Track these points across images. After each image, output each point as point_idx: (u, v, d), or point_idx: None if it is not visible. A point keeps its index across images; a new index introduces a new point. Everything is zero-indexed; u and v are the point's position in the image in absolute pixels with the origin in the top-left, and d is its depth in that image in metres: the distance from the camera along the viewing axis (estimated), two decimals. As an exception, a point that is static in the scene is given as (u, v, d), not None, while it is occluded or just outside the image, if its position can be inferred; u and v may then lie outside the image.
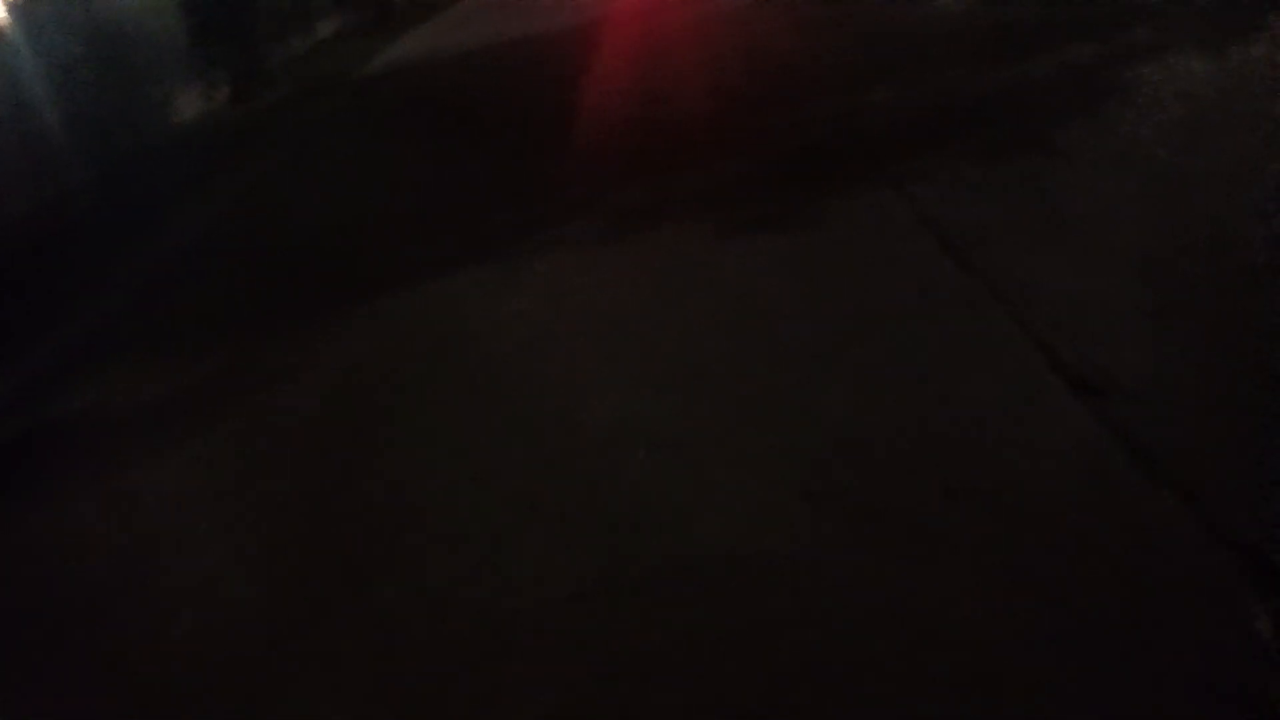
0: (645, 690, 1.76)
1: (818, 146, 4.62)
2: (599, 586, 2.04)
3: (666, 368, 2.90)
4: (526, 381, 3.06)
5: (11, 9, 7.91)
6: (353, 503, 2.66)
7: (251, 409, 3.44)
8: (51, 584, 2.74)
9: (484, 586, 2.15)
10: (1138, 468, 1.99)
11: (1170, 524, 1.83)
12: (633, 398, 2.78)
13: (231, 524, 2.73)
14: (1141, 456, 2.02)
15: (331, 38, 16.66)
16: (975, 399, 2.34)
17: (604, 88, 6.93)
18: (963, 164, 3.88)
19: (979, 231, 3.24)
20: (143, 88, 9.77)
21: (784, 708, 1.66)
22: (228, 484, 2.98)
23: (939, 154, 4.03)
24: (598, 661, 1.85)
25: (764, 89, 5.90)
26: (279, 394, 3.48)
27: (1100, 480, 1.98)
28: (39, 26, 8.58)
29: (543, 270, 3.94)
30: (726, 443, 2.44)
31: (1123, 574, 1.74)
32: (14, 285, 5.45)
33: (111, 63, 9.47)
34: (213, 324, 4.41)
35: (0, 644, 2.55)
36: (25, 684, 2.34)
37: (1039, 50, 5.13)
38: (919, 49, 5.95)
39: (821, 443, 2.32)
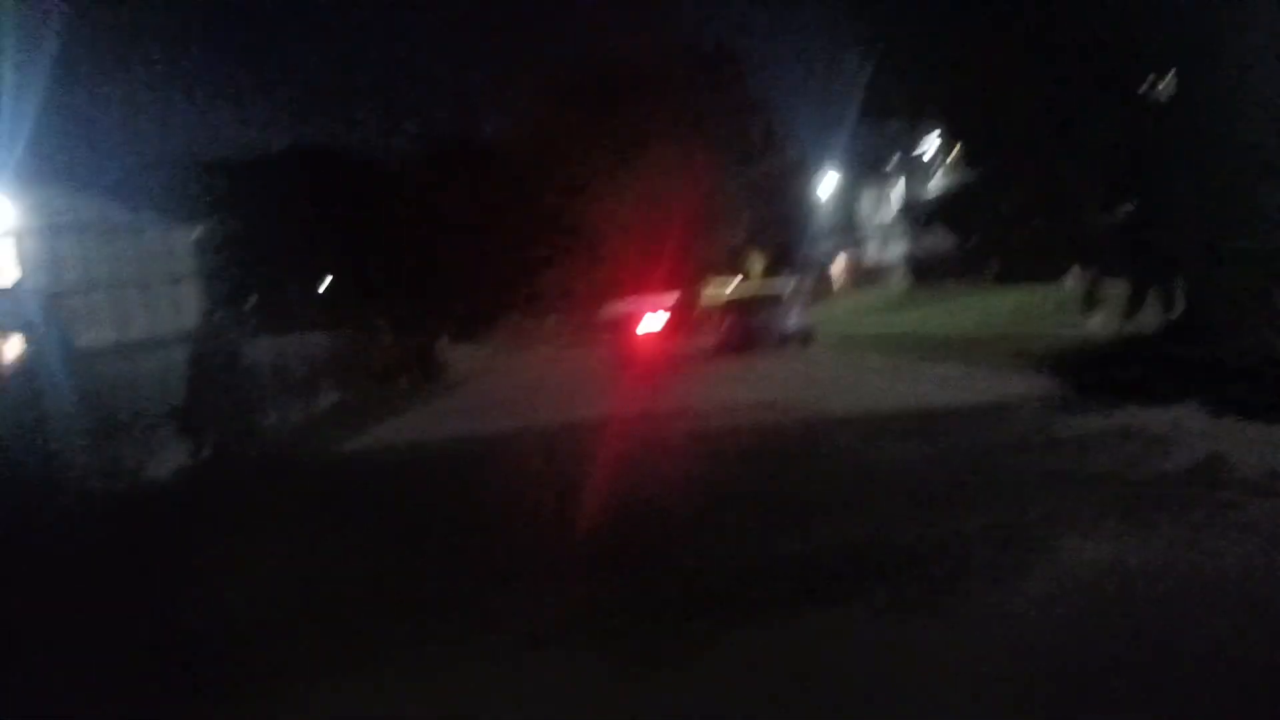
0: None
1: (724, 586, 4.59)
2: None
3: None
4: None
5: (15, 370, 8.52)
6: None
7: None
8: None
9: None
10: None
11: None
12: None
13: None
14: None
15: (331, 408, 17.50)
16: None
17: (566, 502, 6.90)
18: (853, 623, 3.92)
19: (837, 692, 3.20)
20: (123, 436, 10.19)
21: None
22: None
23: (838, 608, 4.10)
24: None
25: (690, 521, 5.94)
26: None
27: None
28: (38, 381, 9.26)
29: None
30: None
31: None
32: None
33: (100, 407, 10.01)
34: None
35: None
36: None
37: (961, 506, 5.28)
38: (850, 489, 6.17)
39: None
